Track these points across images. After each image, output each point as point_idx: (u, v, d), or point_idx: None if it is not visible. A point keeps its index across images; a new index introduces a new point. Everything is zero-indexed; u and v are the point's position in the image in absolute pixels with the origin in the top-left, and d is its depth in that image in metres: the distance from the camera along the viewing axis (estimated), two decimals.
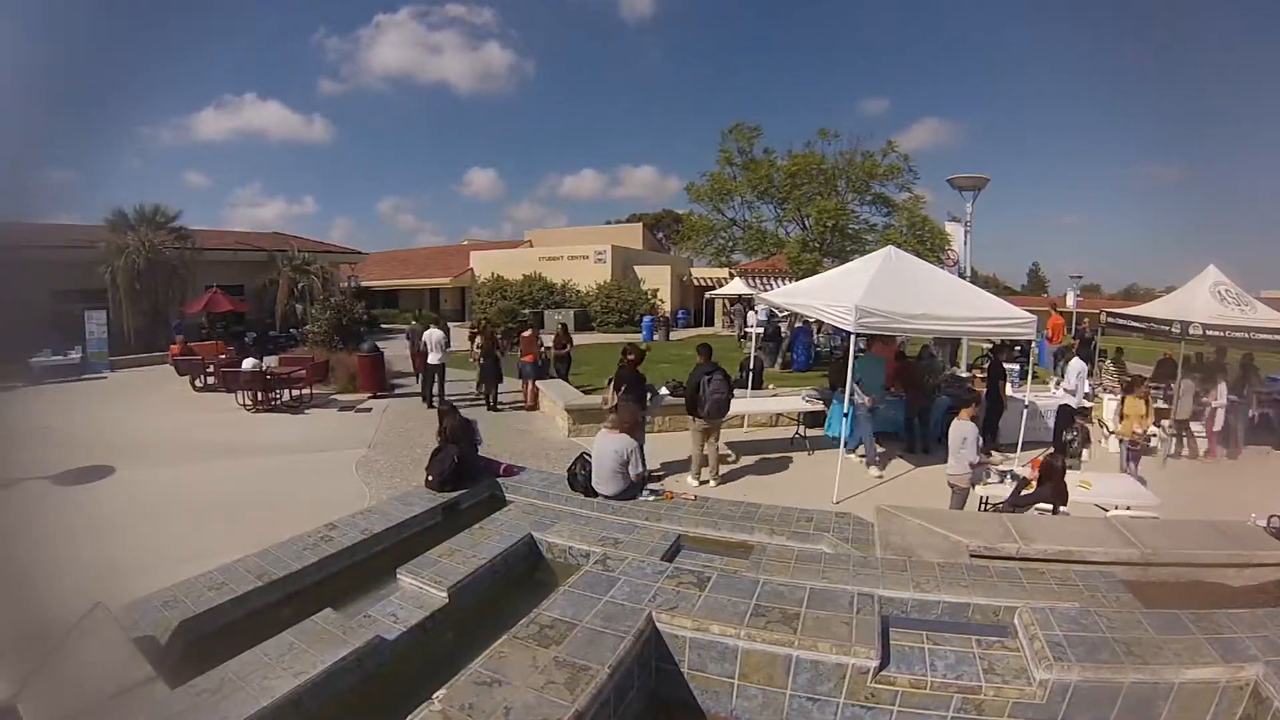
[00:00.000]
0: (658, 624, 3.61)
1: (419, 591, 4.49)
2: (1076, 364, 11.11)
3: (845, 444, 8.57)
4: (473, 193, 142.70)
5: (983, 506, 6.94)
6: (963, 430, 6.94)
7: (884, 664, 3.24)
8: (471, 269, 38.77)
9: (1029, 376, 9.64)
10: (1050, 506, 6.16)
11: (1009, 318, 8.62)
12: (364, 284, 36.91)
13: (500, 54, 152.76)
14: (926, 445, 10.45)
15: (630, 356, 8.63)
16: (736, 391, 12.39)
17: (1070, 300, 25.19)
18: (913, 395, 10.55)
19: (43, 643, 3.49)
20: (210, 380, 16.65)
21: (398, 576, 4.66)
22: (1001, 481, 6.98)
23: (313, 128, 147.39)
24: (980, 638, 3.46)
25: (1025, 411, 8.79)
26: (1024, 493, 6.51)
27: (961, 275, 13.58)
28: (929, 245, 20.54)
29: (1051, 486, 6.23)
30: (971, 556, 4.81)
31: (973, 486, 7.00)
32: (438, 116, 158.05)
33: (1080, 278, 25.98)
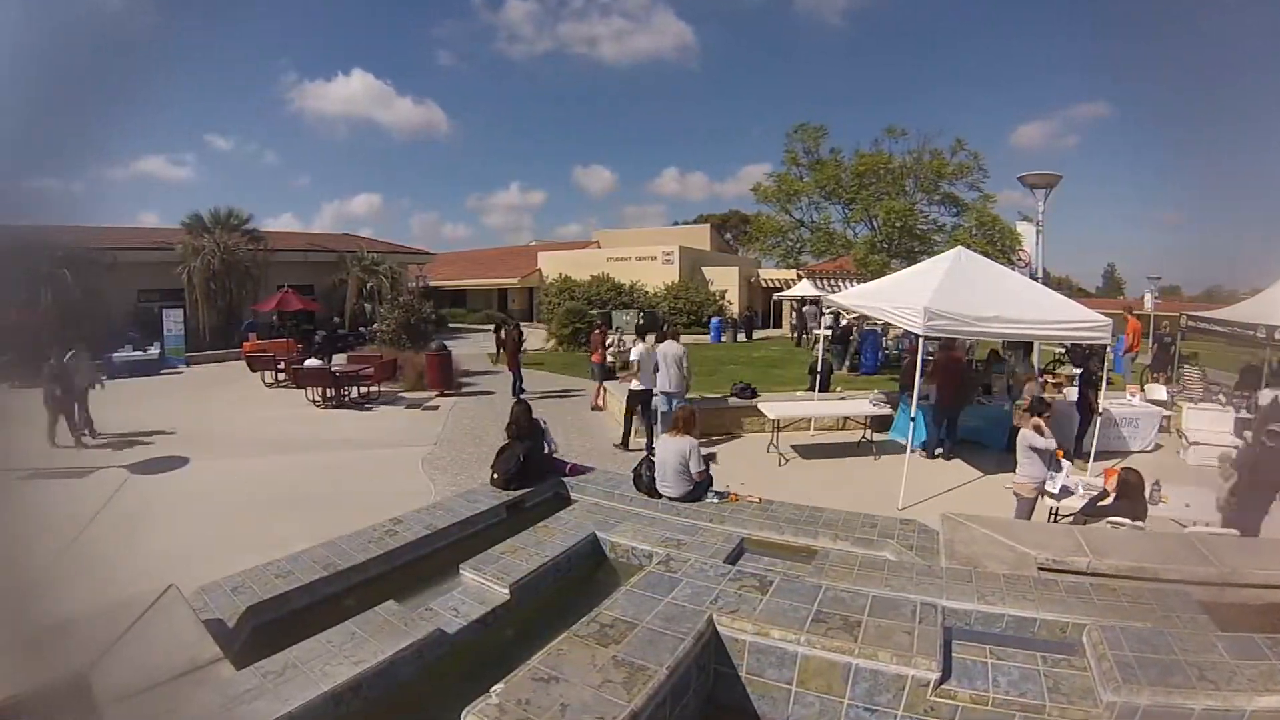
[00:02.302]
0: (718, 626, 3.62)
1: (481, 587, 4.59)
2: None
3: (911, 448, 8.48)
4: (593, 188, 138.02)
5: (1052, 517, 6.77)
6: (1027, 438, 6.79)
7: (945, 677, 3.19)
8: (539, 269, 39.31)
9: (1104, 384, 9.29)
10: (1125, 520, 5.97)
11: (1082, 321, 8.38)
12: (432, 284, 37.75)
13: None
14: (949, 451, 10.07)
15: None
16: (802, 394, 12.41)
17: (1148, 302, 24.00)
18: (945, 393, 10.06)
19: (117, 618, 3.74)
20: (281, 377, 17.35)
21: (460, 572, 4.77)
22: (1074, 493, 6.80)
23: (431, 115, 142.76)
24: (1046, 654, 3.37)
25: (1100, 420, 8.52)
26: (1098, 504, 6.34)
27: (1033, 276, 13.20)
28: (999, 246, 20.03)
29: (1129, 502, 6.04)
30: (1039, 569, 4.70)
31: (1042, 497, 6.84)
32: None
33: (1159, 278, 24.32)
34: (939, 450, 10.01)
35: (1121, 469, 6.61)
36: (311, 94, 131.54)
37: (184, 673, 3.35)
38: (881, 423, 10.85)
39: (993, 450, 10.09)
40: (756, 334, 31.64)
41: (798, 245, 24.56)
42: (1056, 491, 6.82)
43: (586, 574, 5.40)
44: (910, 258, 20.89)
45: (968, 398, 10.39)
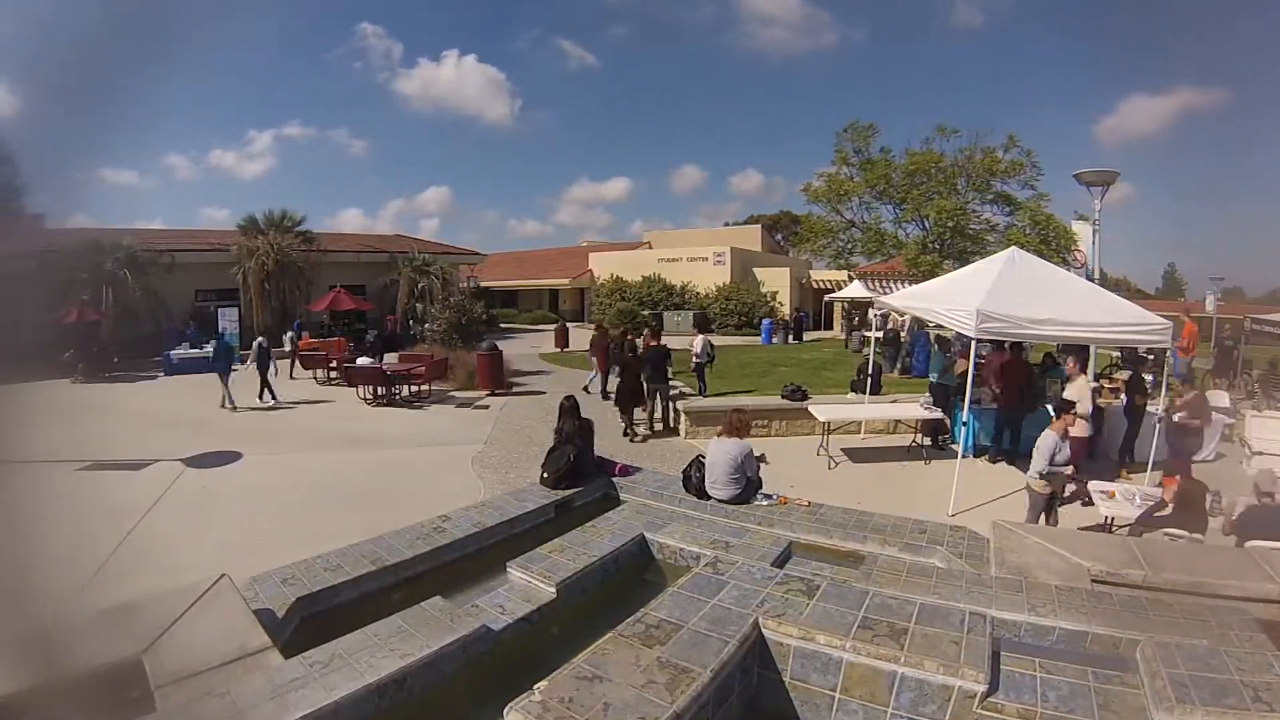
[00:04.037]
0: (763, 630, 3.64)
1: (528, 585, 4.69)
2: None
3: (962, 453, 8.39)
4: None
5: (1108, 527, 6.63)
6: (1044, 440, 6.69)
7: (992, 689, 3.16)
8: (590, 270, 39.63)
9: (1163, 389, 9.01)
10: (1183, 533, 5.82)
11: (1141, 323, 8.12)
12: (483, 284, 38.30)
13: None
14: (1013, 459, 9.63)
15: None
16: (853, 396, 12.33)
17: (1210, 305, 23.01)
18: (1007, 396, 9.74)
19: (172, 604, 3.93)
20: (333, 375, 17.80)
21: (507, 569, 4.87)
22: (1130, 502, 6.65)
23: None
24: (1097, 670, 3.32)
25: (1158, 428, 8.29)
26: (1155, 515, 6.19)
27: (1089, 277, 12.86)
28: (1054, 246, 19.60)
29: (1188, 514, 5.88)
30: (1093, 581, 4.62)
31: (1057, 498, 6.78)
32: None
33: (1222, 279, 23.20)
34: (999, 457, 9.82)
35: (1182, 480, 6.46)
36: (411, 79, 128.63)
37: (234, 659, 3.50)
38: (934, 427, 10.72)
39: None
40: (807, 335, 31.13)
41: (848, 246, 24.43)
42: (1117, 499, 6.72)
43: (633, 574, 5.46)
44: (962, 258, 20.65)
45: (1033, 402, 10.11)
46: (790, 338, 28.90)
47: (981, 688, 3.15)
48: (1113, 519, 6.68)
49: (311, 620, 4.46)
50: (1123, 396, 10.43)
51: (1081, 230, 16.28)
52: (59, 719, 2.98)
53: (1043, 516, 6.75)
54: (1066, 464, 6.79)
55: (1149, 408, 9.41)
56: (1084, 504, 7.59)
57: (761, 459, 6.92)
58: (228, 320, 23.11)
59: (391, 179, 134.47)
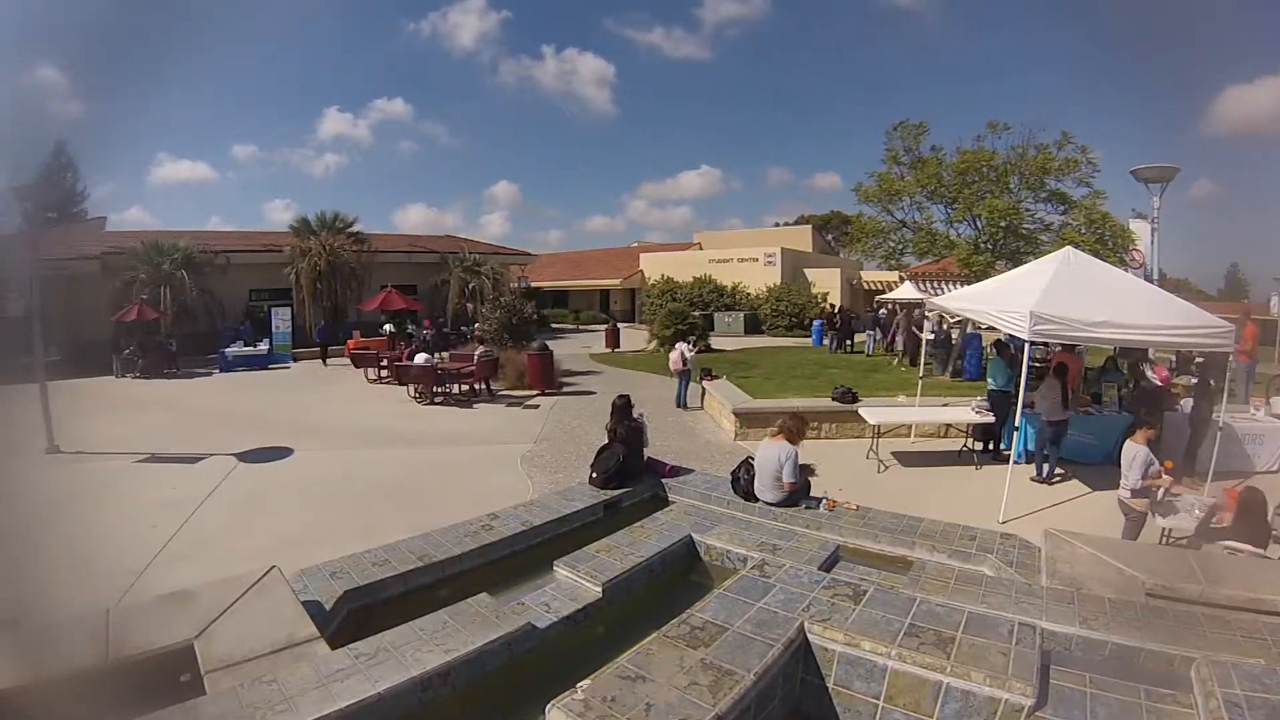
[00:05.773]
0: (809, 635, 3.65)
1: (574, 584, 4.75)
2: None
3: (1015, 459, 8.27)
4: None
5: (1165, 539, 6.47)
6: (1131, 450, 6.54)
7: (1040, 704, 3.11)
8: (641, 270, 39.77)
9: (1224, 395, 8.71)
10: (1244, 546, 5.66)
11: (1202, 326, 7.89)
12: (534, 285, 38.69)
13: None
14: (1048, 472, 9.29)
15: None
16: (904, 399, 12.21)
17: (1274, 306, 21.89)
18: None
19: (223, 593, 4.11)
20: (384, 373, 18.19)
21: (554, 568, 4.95)
22: (1190, 513, 6.48)
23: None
24: (1150, 688, 3.25)
25: (1219, 435, 8.04)
26: (1215, 524, 6.03)
27: (1147, 278, 12.51)
28: (1110, 245, 19.07)
29: (1249, 526, 5.72)
30: (1148, 595, 4.53)
31: (1153, 515, 6.56)
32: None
33: None
34: (1045, 467, 9.60)
35: (1243, 489, 6.27)
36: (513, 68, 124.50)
37: (282, 648, 3.63)
38: (986, 431, 10.57)
39: (1103, 464, 9.65)
40: (861, 337, 27.31)
41: (899, 246, 24.08)
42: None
43: (680, 575, 5.52)
44: (1015, 259, 20.25)
45: (1073, 406, 9.89)
46: (835, 343, 23.98)
47: (1029, 701, 3.11)
48: (1170, 530, 6.51)
49: (358, 613, 4.57)
50: (1187, 402, 10.15)
51: (1140, 229, 15.86)
52: (116, 698, 3.14)
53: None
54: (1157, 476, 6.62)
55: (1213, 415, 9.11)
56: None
57: (811, 470, 6.89)
58: (280, 319, 23.89)
59: (465, 173, 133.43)
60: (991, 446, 10.24)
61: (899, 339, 21.39)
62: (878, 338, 23.17)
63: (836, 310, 26.02)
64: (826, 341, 24.54)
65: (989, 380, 10.73)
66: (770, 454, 6.58)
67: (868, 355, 22.40)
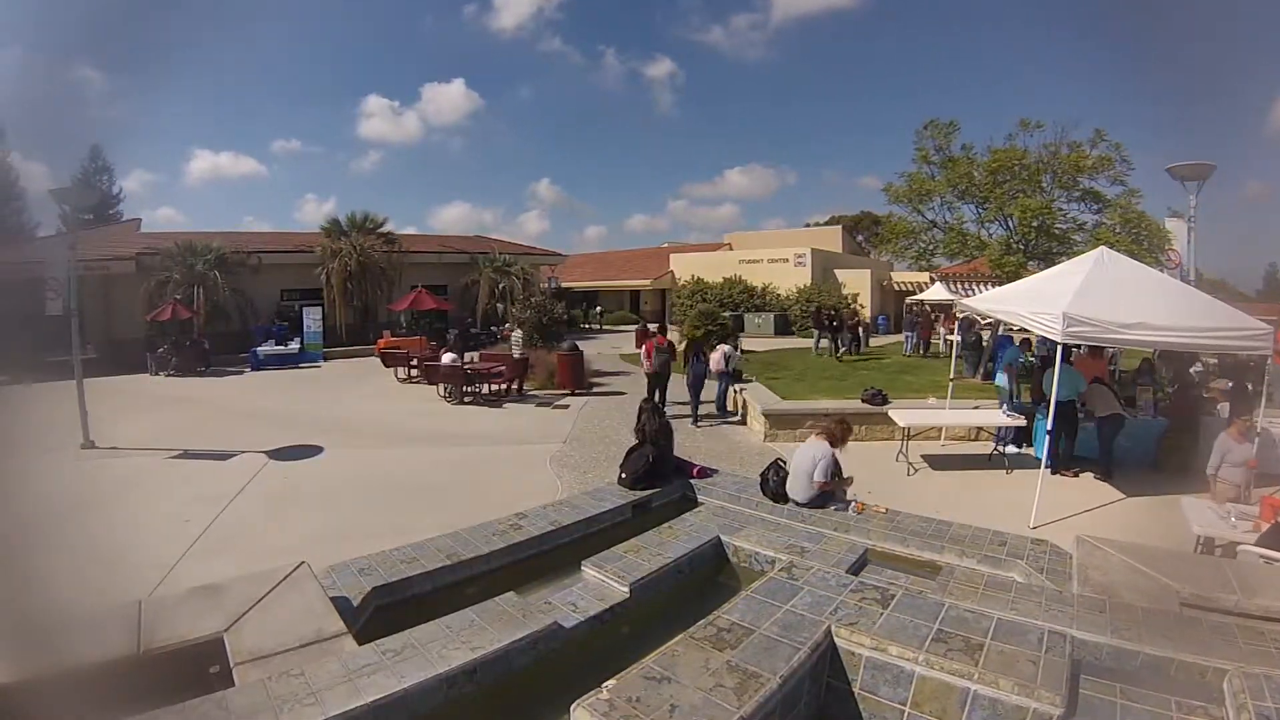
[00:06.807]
0: (835, 638, 3.66)
1: (601, 584, 4.78)
2: None
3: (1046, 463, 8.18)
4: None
5: (1198, 548, 6.37)
6: (1223, 444, 6.66)
7: (1069, 714, 3.08)
8: (671, 271, 39.80)
9: (1263, 400, 8.49)
10: None
11: (1240, 329, 7.71)
12: (564, 285, 38.80)
13: None
14: (1063, 465, 9.33)
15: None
16: (934, 401, 12.11)
17: None
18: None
19: (253, 588, 4.20)
20: (413, 373, 18.35)
21: (581, 568, 4.99)
22: (1225, 521, 6.36)
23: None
24: (1181, 700, 3.22)
25: (1257, 441, 7.87)
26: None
27: (1183, 278, 12.26)
28: (1146, 245, 18.73)
29: None
30: (1182, 605, 4.46)
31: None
32: None
33: None
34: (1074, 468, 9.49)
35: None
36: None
37: (310, 642, 3.70)
38: (1020, 434, 10.46)
39: (1137, 469, 9.52)
40: (887, 339, 27.60)
41: (930, 247, 23.85)
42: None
43: (708, 576, 5.54)
44: (1048, 259, 20.00)
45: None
46: (834, 346, 21.46)
47: (1058, 711, 3.08)
48: (1203, 538, 6.41)
49: (386, 610, 4.63)
50: (1224, 407, 9.95)
51: (1176, 228, 15.54)
52: (148, 688, 3.23)
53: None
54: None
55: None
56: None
57: (848, 481, 6.88)
58: (312, 319, 24.27)
59: (511, 168, 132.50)
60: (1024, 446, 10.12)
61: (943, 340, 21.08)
62: (914, 340, 22.84)
63: (820, 308, 24.80)
64: (825, 343, 21.67)
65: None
66: (807, 452, 6.61)
67: (904, 356, 22.03)
